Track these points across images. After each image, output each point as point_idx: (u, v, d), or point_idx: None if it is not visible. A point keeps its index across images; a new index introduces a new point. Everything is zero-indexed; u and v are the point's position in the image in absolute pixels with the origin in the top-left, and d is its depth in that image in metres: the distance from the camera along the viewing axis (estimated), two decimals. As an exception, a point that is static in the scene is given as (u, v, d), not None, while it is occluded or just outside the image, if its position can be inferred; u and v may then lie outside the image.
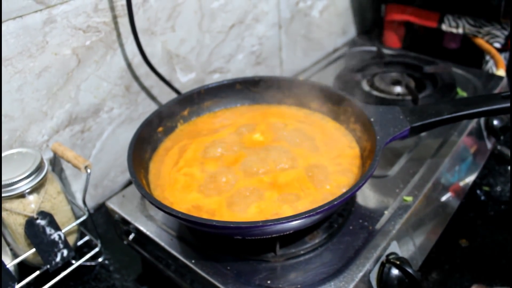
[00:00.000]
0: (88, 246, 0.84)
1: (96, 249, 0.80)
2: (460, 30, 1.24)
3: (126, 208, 0.75)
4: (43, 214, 0.70)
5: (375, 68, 1.11)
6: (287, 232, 0.58)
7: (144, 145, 0.73)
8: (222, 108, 0.85)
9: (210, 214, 0.63)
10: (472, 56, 1.24)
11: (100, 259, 0.83)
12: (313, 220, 0.59)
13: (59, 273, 0.75)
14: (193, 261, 0.64)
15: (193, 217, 0.54)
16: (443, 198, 0.79)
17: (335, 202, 0.54)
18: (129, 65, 0.89)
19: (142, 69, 0.92)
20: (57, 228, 0.71)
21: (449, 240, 0.82)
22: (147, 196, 0.58)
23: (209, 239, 0.67)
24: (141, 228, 0.71)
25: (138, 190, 0.60)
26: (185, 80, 1.02)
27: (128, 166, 0.64)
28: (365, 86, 1.03)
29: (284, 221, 0.52)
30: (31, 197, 0.70)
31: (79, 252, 0.82)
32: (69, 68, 0.79)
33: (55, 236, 0.71)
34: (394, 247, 0.66)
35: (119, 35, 0.85)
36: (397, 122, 0.68)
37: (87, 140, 0.88)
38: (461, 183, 0.85)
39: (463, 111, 0.68)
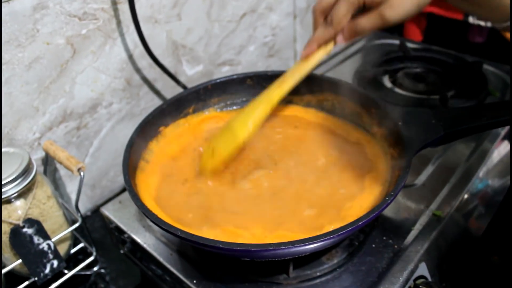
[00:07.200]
0: (84, 252, 0.78)
1: (91, 258, 0.74)
2: (489, 23, 1.15)
3: (122, 215, 0.68)
4: (30, 221, 0.63)
5: (397, 63, 1.02)
6: (302, 255, 0.51)
7: (143, 145, 0.66)
8: (230, 106, 0.77)
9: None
10: (498, 51, 1.15)
11: (95, 268, 0.76)
12: (332, 242, 0.52)
13: (49, 285, 0.68)
14: (194, 281, 0.57)
15: (194, 237, 0.47)
16: (476, 211, 0.71)
17: (359, 223, 0.47)
18: (130, 56, 0.82)
19: (144, 61, 0.85)
20: (46, 236, 0.65)
21: (480, 257, 0.74)
22: (142, 209, 0.51)
23: (213, 257, 0.60)
24: (137, 239, 0.64)
25: (133, 201, 0.53)
26: (192, 73, 0.95)
27: (123, 172, 0.57)
28: (387, 83, 0.95)
29: (299, 245, 0.45)
30: (17, 203, 0.63)
31: (74, 259, 0.76)
32: (63, 59, 0.72)
33: (43, 245, 0.65)
34: (422, 270, 0.58)
35: (119, 23, 0.78)
36: (429, 127, 0.59)
37: (83, 137, 0.81)
38: (495, 194, 0.77)
39: (505, 116, 0.59)
